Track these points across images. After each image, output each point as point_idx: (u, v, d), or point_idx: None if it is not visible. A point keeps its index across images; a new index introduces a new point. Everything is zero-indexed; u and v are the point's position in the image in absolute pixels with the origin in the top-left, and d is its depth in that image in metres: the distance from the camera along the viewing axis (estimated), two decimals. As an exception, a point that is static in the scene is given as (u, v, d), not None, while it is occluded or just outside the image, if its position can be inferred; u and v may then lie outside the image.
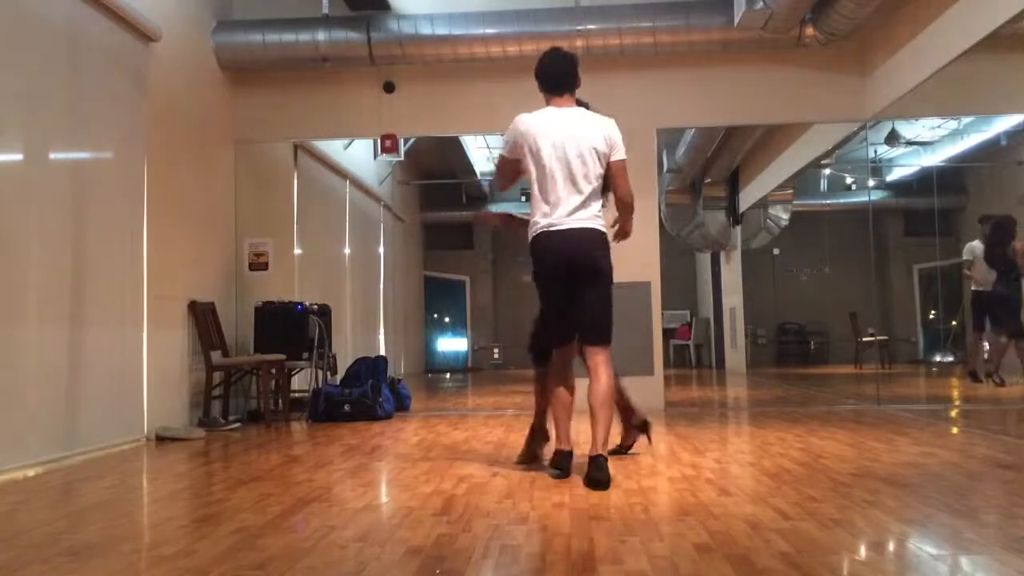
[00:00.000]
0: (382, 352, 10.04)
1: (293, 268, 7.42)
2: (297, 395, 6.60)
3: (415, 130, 7.30)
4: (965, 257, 7.47)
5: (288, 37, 6.28)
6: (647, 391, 6.35)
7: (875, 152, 8.58)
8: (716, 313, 12.93)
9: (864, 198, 10.25)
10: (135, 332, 5.01)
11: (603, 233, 3.46)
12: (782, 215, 11.34)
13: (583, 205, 3.42)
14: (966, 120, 8.49)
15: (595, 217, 3.45)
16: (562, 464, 3.42)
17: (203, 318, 5.74)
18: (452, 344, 14.76)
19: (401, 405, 6.45)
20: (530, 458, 3.81)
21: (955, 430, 5.05)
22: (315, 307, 6.68)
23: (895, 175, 10.61)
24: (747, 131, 8.83)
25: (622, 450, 4.02)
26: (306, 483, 3.40)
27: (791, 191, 11.14)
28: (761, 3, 5.68)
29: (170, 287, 5.44)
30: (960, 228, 9.73)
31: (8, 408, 3.85)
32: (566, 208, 3.40)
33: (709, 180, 11.08)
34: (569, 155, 3.41)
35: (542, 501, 2.92)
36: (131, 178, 5.06)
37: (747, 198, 11.18)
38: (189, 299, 5.71)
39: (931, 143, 9.01)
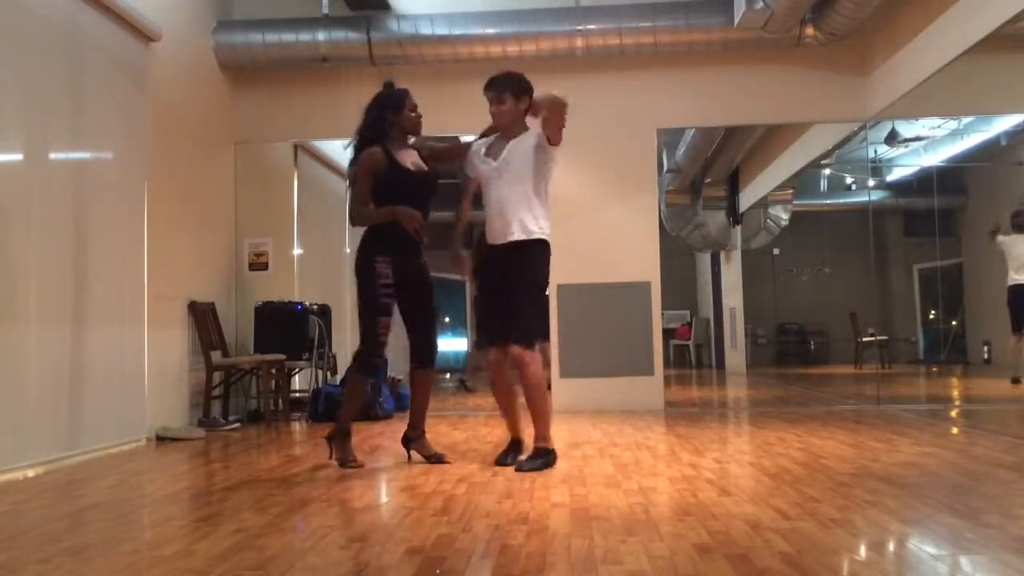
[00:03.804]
0: (382, 352, 10.01)
1: (293, 268, 7.42)
2: (297, 395, 6.60)
3: (415, 130, 7.28)
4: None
5: (288, 37, 6.28)
6: (647, 391, 6.37)
7: (875, 152, 8.57)
8: (716, 313, 12.90)
9: (864, 198, 10.22)
10: (135, 332, 5.01)
11: None
12: (782, 215, 11.33)
13: None
14: (966, 120, 8.47)
15: None
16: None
17: (203, 318, 5.74)
18: (452, 344, 14.73)
19: (401, 405, 6.44)
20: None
21: (955, 430, 5.05)
22: (315, 307, 6.68)
23: (895, 175, 10.58)
24: (747, 131, 8.82)
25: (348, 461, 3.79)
26: (306, 483, 3.41)
27: (791, 191, 11.12)
28: (761, 3, 5.68)
29: (170, 287, 5.44)
30: (960, 228, 9.71)
31: (9, 408, 3.85)
32: None
33: (709, 180, 11.07)
34: None
35: (542, 501, 2.92)
36: (131, 178, 5.06)
37: (747, 198, 11.17)
38: (189, 299, 5.71)
39: (936, 138, 8.98)
